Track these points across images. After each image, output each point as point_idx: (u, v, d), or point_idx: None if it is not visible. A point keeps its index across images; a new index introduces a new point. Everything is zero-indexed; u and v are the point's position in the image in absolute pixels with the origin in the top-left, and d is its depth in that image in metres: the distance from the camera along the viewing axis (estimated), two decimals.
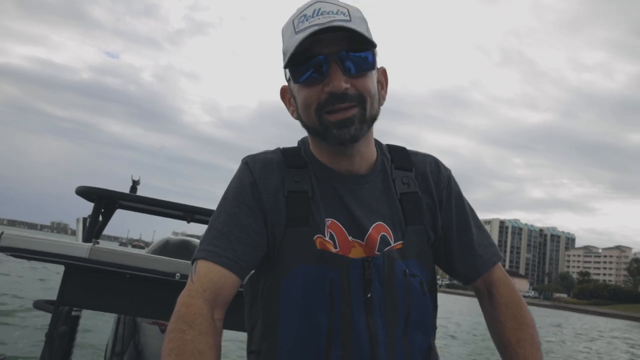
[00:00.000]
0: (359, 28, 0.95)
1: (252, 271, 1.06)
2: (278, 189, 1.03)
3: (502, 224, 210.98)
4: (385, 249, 1.01)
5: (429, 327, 1.05)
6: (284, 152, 1.09)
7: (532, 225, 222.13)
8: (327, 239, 1.00)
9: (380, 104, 1.04)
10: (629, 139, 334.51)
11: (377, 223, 1.04)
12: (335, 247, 1.00)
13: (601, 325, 45.55)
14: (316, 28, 0.93)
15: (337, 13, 0.96)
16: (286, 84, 1.07)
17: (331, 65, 0.95)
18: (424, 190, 1.10)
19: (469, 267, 1.12)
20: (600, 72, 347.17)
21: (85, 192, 2.20)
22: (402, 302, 0.99)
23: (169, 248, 2.48)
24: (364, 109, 0.98)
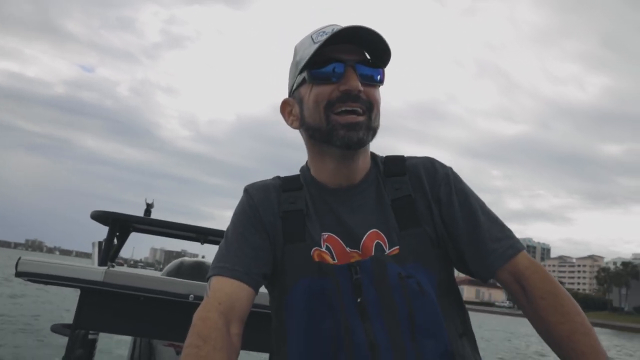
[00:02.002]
0: (381, 36, 1.00)
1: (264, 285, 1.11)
2: (275, 211, 1.08)
3: None
4: (381, 254, 1.02)
5: (441, 331, 0.98)
6: (283, 179, 1.15)
7: None
8: (324, 250, 1.03)
9: (379, 123, 1.07)
10: (603, 150, 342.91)
11: (370, 231, 1.05)
12: (334, 259, 1.02)
13: None
14: (340, 29, 0.99)
15: None
16: (286, 98, 1.13)
17: (348, 69, 1.00)
18: (418, 192, 1.09)
19: (482, 264, 1.05)
20: (573, 83, 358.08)
21: (100, 217, 2.23)
22: (402, 305, 0.97)
23: (183, 269, 2.47)
24: (370, 117, 1.02)
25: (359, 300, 0.97)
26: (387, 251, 1.03)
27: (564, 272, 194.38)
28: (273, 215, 1.08)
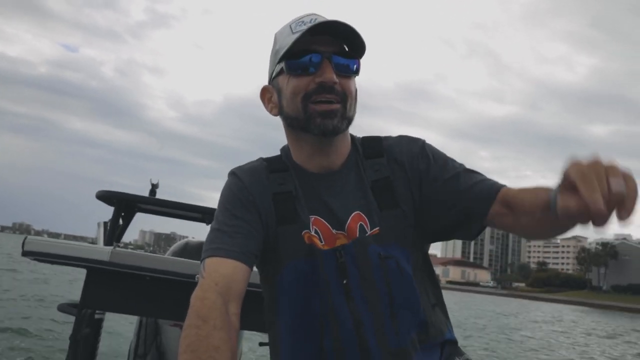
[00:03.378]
0: (355, 30, 1.05)
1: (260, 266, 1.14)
2: (266, 192, 1.12)
3: None
4: (363, 236, 1.08)
5: (417, 304, 1.06)
6: (267, 160, 1.18)
7: None
8: (313, 234, 1.08)
9: (354, 113, 1.11)
10: (590, 130, 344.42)
11: (354, 213, 1.10)
12: (321, 242, 1.08)
13: (546, 310, 49.18)
14: (315, 23, 1.03)
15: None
16: (266, 85, 1.17)
17: (324, 61, 1.04)
18: (398, 171, 1.13)
19: (474, 209, 1.05)
20: (562, 64, 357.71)
21: (105, 197, 2.23)
22: (381, 284, 1.04)
23: (188, 250, 2.49)
24: (345, 107, 1.06)
25: (344, 282, 1.04)
26: (369, 232, 1.08)
27: (549, 252, 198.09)
28: (265, 196, 1.11)
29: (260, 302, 1.17)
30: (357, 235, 1.08)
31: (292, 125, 1.11)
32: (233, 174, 1.16)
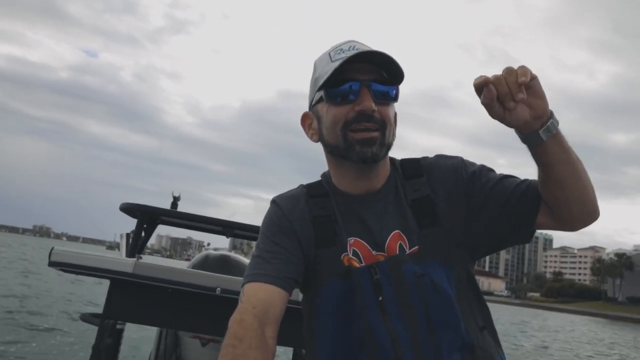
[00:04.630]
0: (394, 59, 1.06)
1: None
2: (305, 217, 1.14)
3: None
4: (398, 255, 1.08)
5: (457, 324, 1.04)
6: (307, 186, 1.21)
7: None
8: (351, 256, 1.09)
9: (393, 139, 1.12)
10: (612, 139, 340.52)
11: (393, 233, 1.10)
12: (361, 263, 1.08)
13: (559, 321, 49.09)
14: (355, 52, 1.06)
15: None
16: (307, 111, 1.19)
17: (362, 89, 1.06)
18: (439, 188, 1.13)
19: (522, 206, 1.06)
20: (583, 71, 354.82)
21: (128, 209, 2.26)
22: (418, 302, 1.04)
23: (209, 263, 2.51)
24: (383, 134, 1.07)
25: (380, 299, 1.04)
26: (408, 251, 1.09)
27: (565, 262, 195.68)
28: (303, 222, 1.14)
29: (285, 317, 1.23)
30: (398, 254, 1.08)
31: (333, 152, 1.13)
32: (274, 202, 1.20)
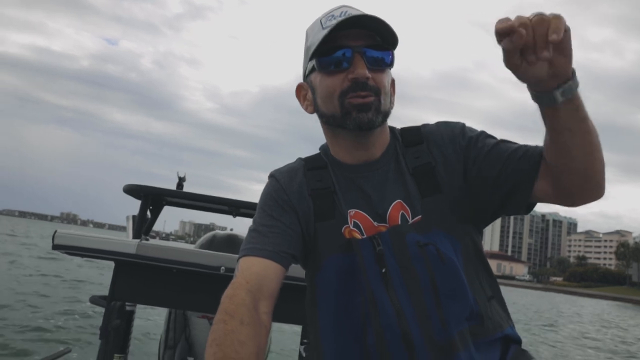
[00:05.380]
0: (386, 23, 1.02)
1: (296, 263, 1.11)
2: (303, 190, 1.12)
3: None
4: (400, 225, 1.05)
5: (465, 294, 1.01)
6: (305, 159, 1.19)
7: (534, 211, 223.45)
8: (352, 228, 1.07)
9: (391, 106, 1.10)
10: (639, 119, 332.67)
11: (395, 202, 1.07)
12: (362, 234, 1.06)
13: (581, 304, 48.85)
14: (345, 17, 1.01)
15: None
16: (301, 82, 1.15)
17: (355, 56, 1.02)
18: (439, 156, 1.10)
19: (523, 170, 1.00)
20: (608, 50, 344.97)
21: (132, 190, 2.24)
22: (423, 272, 1.01)
23: (215, 242, 2.50)
24: (379, 101, 1.04)
25: (383, 270, 1.01)
26: (411, 221, 1.06)
27: (590, 247, 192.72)
28: (302, 195, 1.12)
29: (295, 294, 1.18)
30: (400, 224, 1.06)
31: (329, 122, 1.11)
32: (271, 176, 1.18)
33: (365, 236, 1.05)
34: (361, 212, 1.08)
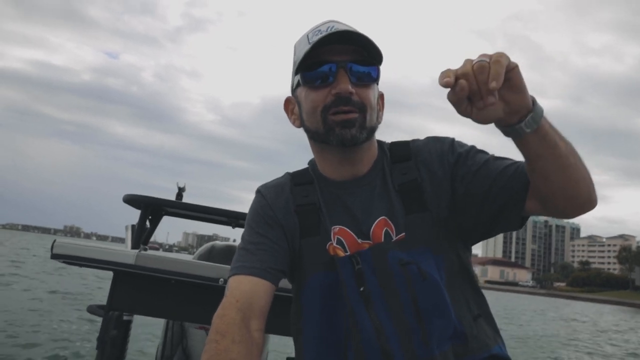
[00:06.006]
0: (370, 39, 1.02)
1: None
2: (289, 206, 1.12)
3: None
4: (383, 242, 1.04)
5: (447, 313, 1.00)
6: (292, 174, 1.19)
7: (537, 217, 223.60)
8: (336, 245, 1.07)
9: (378, 121, 1.09)
10: None
11: (379, 219, 1.07)
12: (346, 251, 1.06)
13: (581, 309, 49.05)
14: (330, 32, 1.01)
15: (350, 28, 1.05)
16: (290, 95, 1.16)
17: (339, 71, 1.02)
18: (427, 172, 1.09)
19: (514, 188, 0.98)
20: (608, 55, 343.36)
21: (132, 200, 2.25)
22: (404, 291, 1.00)
23: (214, 253, 2.49)
24: (364, 117, 1.03)
25: (361, 289, 1.01)
26: (394, 238, 1.05)
27: (594, 251, 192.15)
28: (288, 211, 1.11)
29: (286, 306, 1.21)
30: (384, 241, 1.05)
31: (314, 138, 1.10)
32: (258, 192, 1.18)
33: (348, 253, 1.06)
34: (345, 228, 1.08)
